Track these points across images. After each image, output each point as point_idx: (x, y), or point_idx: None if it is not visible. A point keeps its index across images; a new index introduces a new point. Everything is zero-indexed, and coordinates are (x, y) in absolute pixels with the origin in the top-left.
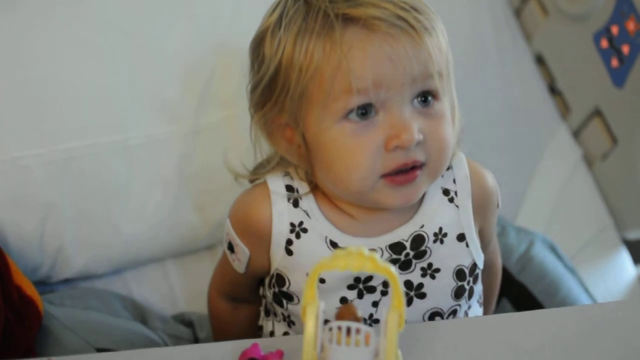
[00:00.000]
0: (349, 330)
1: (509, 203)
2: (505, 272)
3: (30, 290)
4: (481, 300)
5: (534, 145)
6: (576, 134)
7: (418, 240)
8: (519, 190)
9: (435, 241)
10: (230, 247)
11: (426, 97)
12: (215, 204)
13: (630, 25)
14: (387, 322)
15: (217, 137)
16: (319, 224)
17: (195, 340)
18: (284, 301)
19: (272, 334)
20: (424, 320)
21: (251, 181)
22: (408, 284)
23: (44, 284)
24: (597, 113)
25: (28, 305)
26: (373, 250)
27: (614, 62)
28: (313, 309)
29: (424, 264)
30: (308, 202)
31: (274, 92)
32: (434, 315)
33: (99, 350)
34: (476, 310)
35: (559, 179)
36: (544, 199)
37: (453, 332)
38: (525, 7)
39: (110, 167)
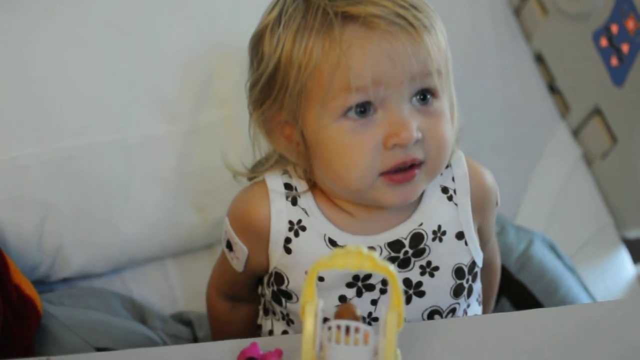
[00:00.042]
0: (348, 329)
1: (508, 202)
2: (505, 271)
3: (29, 290)
4: (480, 299)
5: (534, 144)
6: (576, 132)
7: (417, 238)
8: (518, 189)
9: (434, 239)
10: (229, 246)
11: (425, 95)
12: (214, 203)
13: (630, 24)
14: (386, 321)
15: (216, 136)
16: (318, 222)
17: (194, 339)
18: (283, 300)
19: (271, 332)
20: (423, 319)
21: (250, 179)
22: (407, 282)
23: (43, 283)
24: (597, 112)
25: (27, 305)
26: (372, 248)
27: (614, 61)
28: (312, 308)
29: (423, 262)
30: (307, 200)
31: (273, 89)
32: (433, 313)
33: (98, 349)
34: (475, 308)
35: (559, 178)
36: (543, 198)
37: (452, 331)
38: (525, 6)
39: (109, 166)
